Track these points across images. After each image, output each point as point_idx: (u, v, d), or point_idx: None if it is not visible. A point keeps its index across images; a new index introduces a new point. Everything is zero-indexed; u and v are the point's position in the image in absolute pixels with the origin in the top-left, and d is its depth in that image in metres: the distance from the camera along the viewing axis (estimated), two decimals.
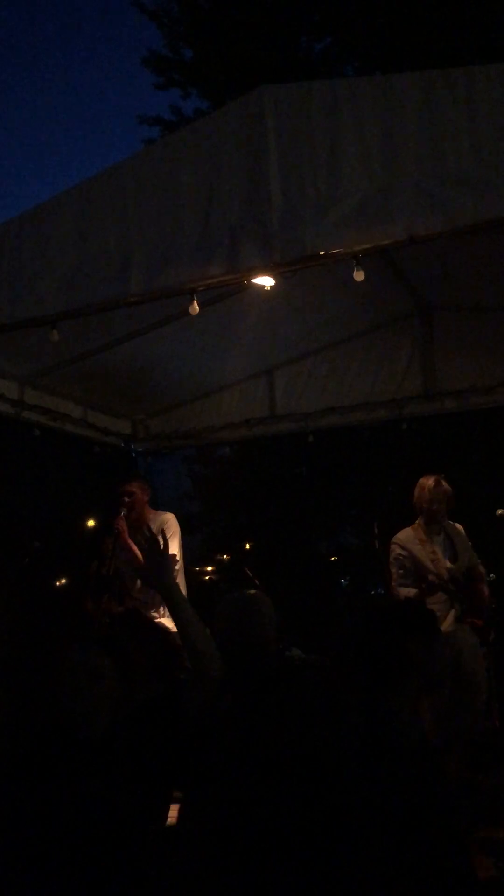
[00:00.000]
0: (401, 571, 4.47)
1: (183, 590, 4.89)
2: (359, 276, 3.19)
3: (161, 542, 2.68)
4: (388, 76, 3.24)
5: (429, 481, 4.50)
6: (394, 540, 4.55)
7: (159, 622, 4.75)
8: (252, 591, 2.81)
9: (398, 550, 4.51)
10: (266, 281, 3.59)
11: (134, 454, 6.50)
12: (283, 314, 4.97)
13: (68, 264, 3.59)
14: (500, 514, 4.49)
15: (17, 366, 5.06)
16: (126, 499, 4.81)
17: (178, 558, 4.83)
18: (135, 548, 4.74)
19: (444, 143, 3.01)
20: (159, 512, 4.96)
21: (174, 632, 4.69)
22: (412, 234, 3.01)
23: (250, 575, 6.49)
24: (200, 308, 3.48)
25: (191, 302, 3.44)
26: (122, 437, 6.37)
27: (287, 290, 3.92)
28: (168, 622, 4.78)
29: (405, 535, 4.55)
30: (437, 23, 11.15)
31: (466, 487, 4.78)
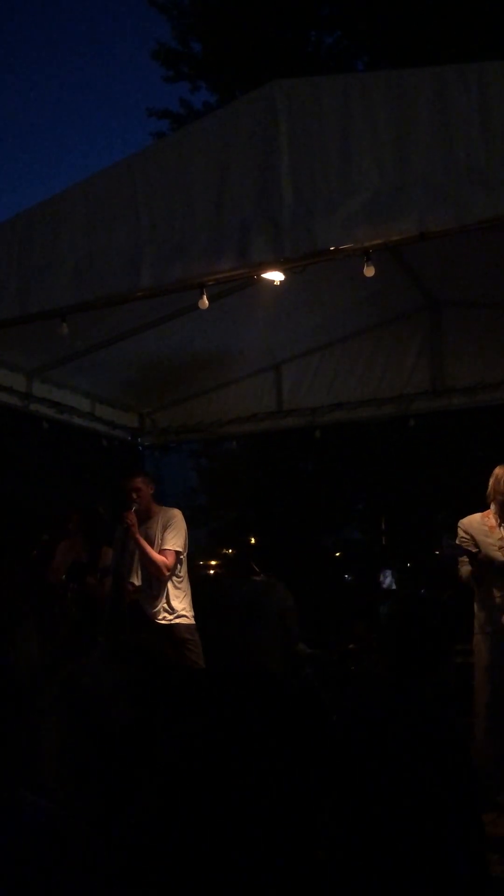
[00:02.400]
0: (462, 553, 4.47)
1: (187, 582, 4.94)
2: (369, 271, 3.19)
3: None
4: (399, 71, 3.24)
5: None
6: (459, 523, 4.57)
7: (163, 618, 4.79)
8: (262, 580, 2.81)
9: (461, 533, 4.53)
10: (276, 276, 3.59)
11: (141, 448, 6.52)
12: (292, 309, 4.97)
13: (78, 258, 3.60)
14: None
15: (26, 359, 5.08)
16: (134, 495, 4.86)
17: (182, 553, 4.87)
18: (143, 542, 4.78)
19: (456, 138, 3.00)
20: (166, 508, 5.01)
21: (180, 624, 4.78)
22: (423, 229, 3.01)
23: (256, 569, 6.50)
24: (210, 301, 3.49)
25: (200, 296, 3.45)
26: (129, 430, 6.39)
27: (296, 285, 3.92)
28: (176, 619, 4.81)
29: (471, 519, 4.55)
30: (449, 17, 11.10)
31: (473, 484, 4.76)
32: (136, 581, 4.92)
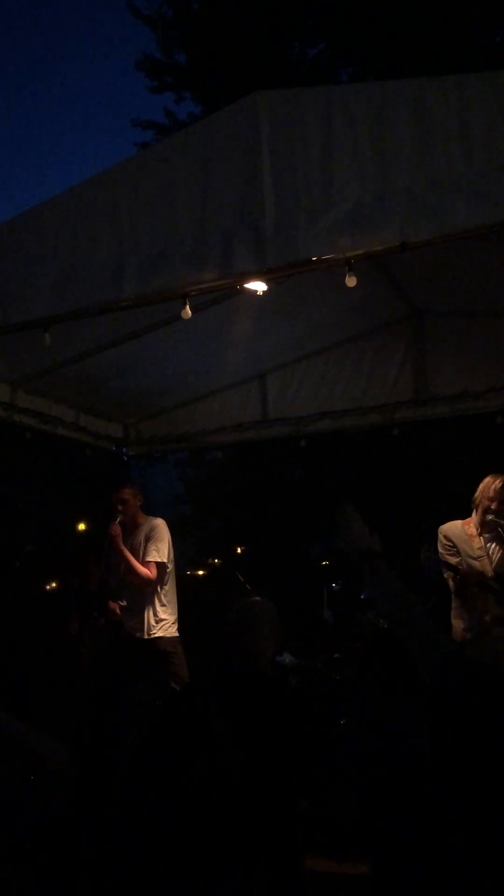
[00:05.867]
0: (444, 564, 4.45)
1: (174, 594, 4.90)
2: (351, 281, 3.20)
3: None
4: (381, 83, 3.26)
5: (496, 482, 4.45)
6: (440, 530, 4.55)
7: (146, 632, 4.75)
8: (255, 599, 2.83)
9: (443, 541, 4.51)
10: (259, 286, 3.59)
11: (126, 458, 6.50)
12: (276, 319, 4.98)
13: (61, 268, 3.59)
14: (491, 520, 4.49)
15: (9, 369, 5.05)
16: (120, 507, 4.83)
17: (168, 563, 4.83)
18: (127, 553, 4.74)
19: (437, 150, 3.02)
20: (150, 517, 4.97)
21: (164, 638, 4.74)
22: (404, 240, 3.03)
23: (242, 579, 6.49)
24: (193, 312, 3.49)
25: (183, 307, 3.45)
26: (113, 440, 6.36)
27: (280, 295, 3.92)
28: (160, 632, 4.76)
29: (452, 526, 4.53)
30: (431, 28, 11.20)
31: (458, 492, 4.77)
32: (123, 601, 4.86)
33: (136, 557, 4.75)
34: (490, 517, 4.42)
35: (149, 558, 4.75)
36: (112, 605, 4.84)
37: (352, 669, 4.75)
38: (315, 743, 2.38)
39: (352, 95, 3.23)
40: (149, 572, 4.72)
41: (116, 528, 4.75)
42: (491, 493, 4.44)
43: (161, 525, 4.88)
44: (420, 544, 4.55)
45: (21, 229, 3.73)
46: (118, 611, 4.83)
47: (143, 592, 4.76)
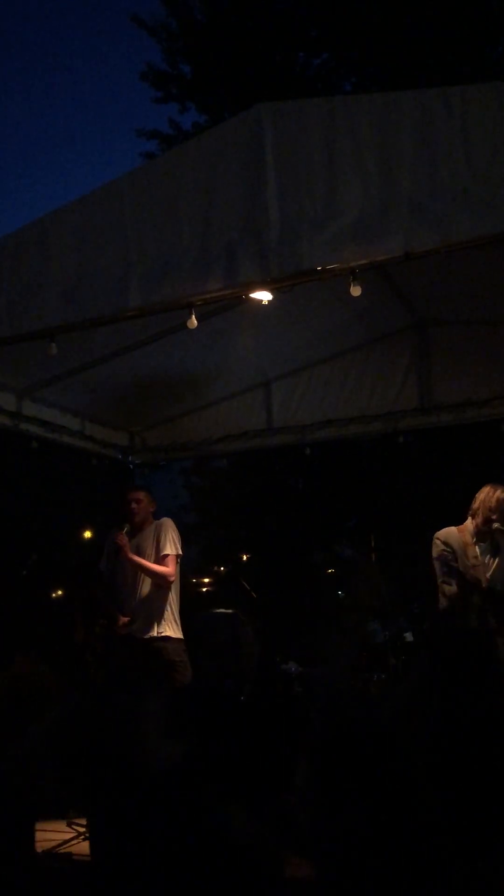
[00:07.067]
0: (444, 569, 4.44)
1: (178, 598, 4.91)
2: (355, 291, 3.23)
3: None
4: (384, 94, 3.30)
5: (498, 492, 4.46)
6: (437, 536, 4.53)
7: (154, 635, 4.75)
8: (220, 611, 2.82)
9: (442, 547, 4.48)
10: (263, 296, 3.62)
11: (131, 466, 6.52)
12: (281, 327, 5.00)
13: (67, 278, 3.63)
14: (497, 528, 4.49)
15: (16, 378, 5.09)
16: (134, 505, 4.85)
17: (181, 556, 4.85)
18: (137, 559, 4.73)
19: (440, 160, 3.05)
20: (155, 520, 4.99)
21: (168, 641, 4.74)
22: (408, 250, 3.05)
23: (247, 587, 6.50)
24: (198, 320, 3.51)
25: (189, 316, 3.47)
26: (119, 449, 6.39)
27: (284, 304, 3.95)
28: (165, 635, 4.77)
29: (449, 532, 4.51)
30: (434, 38, 11.26)
31: (462, 500, 4.77)
32: (130, 608, 4.86)
33: (144, 557, 4.76)
34: (496, 525, 4.42)
35: (165, 552, 4.76)
36: (120, 615, 4.83)
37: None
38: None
39: (355, 106, 3.27)
40: (166, 568, 4.73)
41: (122, 538, 4.76)
42: (493, 503, 4.45)
43: (169, 521, 4.93)
44: (427, 551, 4.54)
45: (27, 241, 3.76)
46: (126, 620, 4.81)
47: (151, 595, 4.76)
